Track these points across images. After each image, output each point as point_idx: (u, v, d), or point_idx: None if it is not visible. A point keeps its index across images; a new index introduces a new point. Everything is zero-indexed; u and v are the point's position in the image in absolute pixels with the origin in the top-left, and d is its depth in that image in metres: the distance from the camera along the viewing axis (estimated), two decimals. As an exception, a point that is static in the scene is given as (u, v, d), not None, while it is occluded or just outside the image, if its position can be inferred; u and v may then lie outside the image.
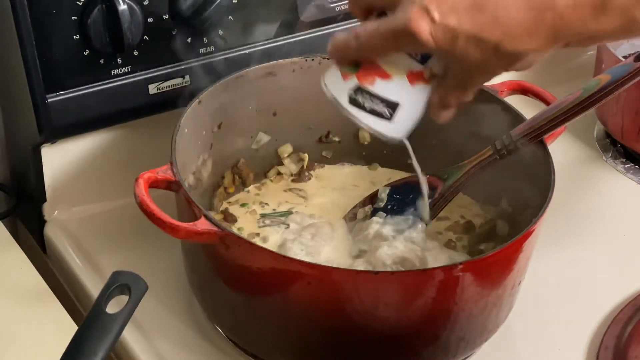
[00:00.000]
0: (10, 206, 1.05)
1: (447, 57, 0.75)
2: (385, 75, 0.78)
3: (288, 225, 0.95)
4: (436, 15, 0.71)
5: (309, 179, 1.02)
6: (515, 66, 0.74)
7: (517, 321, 0.92)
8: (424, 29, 0.72)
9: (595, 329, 0.92)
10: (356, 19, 1.04)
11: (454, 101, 0.79)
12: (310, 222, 0.95)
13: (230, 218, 0.96)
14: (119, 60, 0.94)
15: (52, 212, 1.02)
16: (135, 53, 0.94)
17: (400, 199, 0.95)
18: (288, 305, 0.81)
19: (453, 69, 0.77)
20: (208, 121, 0.95)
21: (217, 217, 0.94)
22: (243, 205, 0.98)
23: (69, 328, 0.86)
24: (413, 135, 1.01)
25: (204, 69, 0.98)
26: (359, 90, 0.79)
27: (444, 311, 0.81)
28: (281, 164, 1.02)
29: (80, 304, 0.96)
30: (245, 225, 0.95)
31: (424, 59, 0.78)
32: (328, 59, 0.98)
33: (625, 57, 1.10)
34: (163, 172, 0.83)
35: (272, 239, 0.93)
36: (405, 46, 0.76)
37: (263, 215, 0.97)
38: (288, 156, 1.02)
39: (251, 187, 1.01)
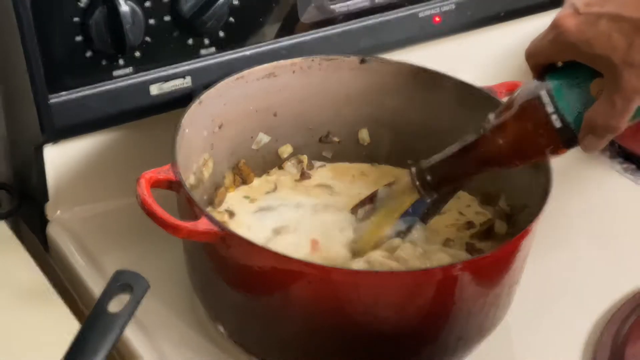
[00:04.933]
0: (13, 206, 1.05)
1: (589, 56, 0.76)
2: None
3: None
4: (581, 8, 0.76)
5: (309, 177, 1.03)
6: None
7: (515, 320, 0.92)
8: (569, 20, 0.76)
9: (592, 327, 0.93)
10: (356, 20, 1.06)
11: (603, 124, 0.77)
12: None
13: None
14: (120, 61, 0.94)
15: (54, 211, 1.02)
16: (137, 54, 0.94)
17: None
18: (288, 305, 0.81)
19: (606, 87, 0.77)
20: (209, 121, 0.95)
21: (219, 216, 0.95)
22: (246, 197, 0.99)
23: (72, 327, 0.86)
24: (413, 135, 1.02)
25: (205, 70, 0.98)
26: None
27: (443, 311, 0.82)
28: (282, 164, 1.03)
29: (82, 303, 0.97)
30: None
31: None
32: (328, 59, 0.99)
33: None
34: (164, 172, 0.84)
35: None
36: (553, 45, 0.78)
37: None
38: (288, 159, 1.03)
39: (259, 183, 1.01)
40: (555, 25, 0.78)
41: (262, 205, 0.97)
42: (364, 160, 1.05)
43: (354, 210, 0.96)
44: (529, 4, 1.17)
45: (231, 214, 0.96)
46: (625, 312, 0.93)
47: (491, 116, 0.83)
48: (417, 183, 0.87)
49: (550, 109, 0.79)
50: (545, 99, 0.80)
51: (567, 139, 0.80)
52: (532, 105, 0.80)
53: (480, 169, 0.85)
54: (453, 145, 0.86)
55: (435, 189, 0.87)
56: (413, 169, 0.88)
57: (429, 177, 0.87)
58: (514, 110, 0.82)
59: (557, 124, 0.79)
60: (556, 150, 0.82)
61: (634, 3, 0.74)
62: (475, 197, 0.99)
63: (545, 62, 0.81)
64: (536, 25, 1.20)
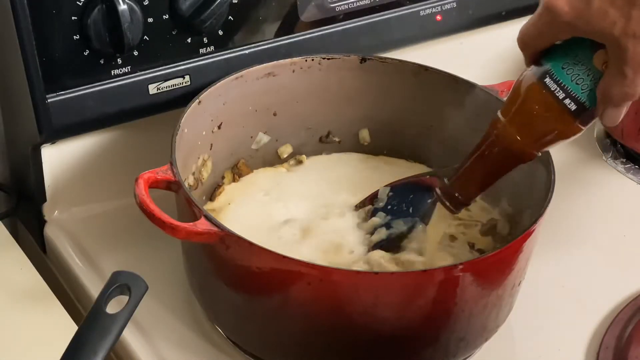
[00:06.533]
0: (10, 206, 1.05)
1: (589, 32, 0.75)
2: None
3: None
4: None
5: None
6: None
7: (517, 321, 0.92)
8: (561, 3, 0.75)
9: (595, 329, 0.92)
10: (356, 19, 1.05)
11: (618, 94, 0.76)
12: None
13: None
14: (119, 60, 0.94)
15: (52, 212, 1.02)
16: (135, 53, 0.94)
17: (401, 199, 0.95)
18: (288, 306, 0.81)
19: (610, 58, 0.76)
20: (208, 121, 0.95)
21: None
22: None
23: (69, 328, 0.86)
24: (415, 135, 1.02)
25: (204, 69, 0.98)
26: None
27: (444, 311, 0.81)
28: (281, 164, 1.02)
29: (80, 304, 0.96)
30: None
31: None
32: (328, 59, 0.99)
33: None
34: (163, 172, 0.83)
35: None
36: (550, 27, 0.77)
37: None
38: (287, 159, 1.02)
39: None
40: (547, 8, 0.76)
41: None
42: (365, 161, 1.05)
43: (356, 208, 0.96)
44: (530, 3, 1.16)
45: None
46: (628, 313, 0.93)
47: (499, 114, 0.82)
48: (447, 204, 0.86)
49: (560, 94, 0.78)
50: (552, 85, 0.78)
51: (584, 117, 0.79)
52: (541, 95, 0.79)
53: (505, 170, 0.84)
54: (470, 154, 0.85)
55: (467, 203, 0.87)
56: (438, 190, 0.87)
57: (457, 194, 0.86)
58: (524, 104, 0.80)
59: (572, 106, 0.78)
60: (575, 131, 0.80)
61: None
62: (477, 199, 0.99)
63: (544, 46, 0.79)
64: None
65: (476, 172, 0.85)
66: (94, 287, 0.94)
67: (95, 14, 0.90)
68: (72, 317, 0.88)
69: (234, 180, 1.00)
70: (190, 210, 0.81)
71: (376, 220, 0.94)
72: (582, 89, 0.78)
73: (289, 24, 1.02)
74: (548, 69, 0.79)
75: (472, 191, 0.86)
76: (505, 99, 0.94)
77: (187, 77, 0.98)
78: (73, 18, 0.90)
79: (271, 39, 1.01)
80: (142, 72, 0.96)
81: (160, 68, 0.96)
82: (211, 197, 0.98)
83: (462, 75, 0.98)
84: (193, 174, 0.93)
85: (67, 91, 0.93)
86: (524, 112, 0.80)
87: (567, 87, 0.78)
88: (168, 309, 0.92)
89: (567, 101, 0.78)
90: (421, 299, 0.80)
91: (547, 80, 0.79)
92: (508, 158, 0.83)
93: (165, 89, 0.97)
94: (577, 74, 0.78)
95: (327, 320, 0.81)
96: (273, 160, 1.02)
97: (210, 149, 0.96)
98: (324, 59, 0.99)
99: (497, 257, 0.81)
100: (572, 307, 0.95)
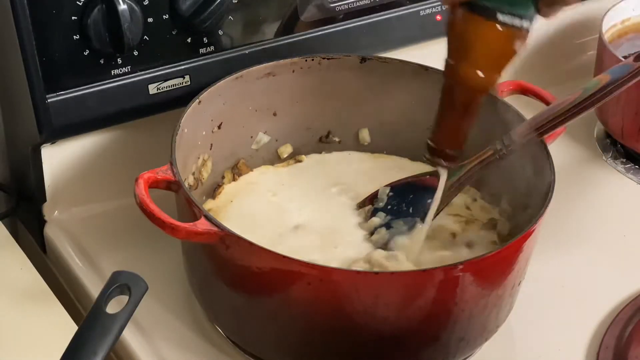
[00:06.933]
0: (10, 206, 1.05)
1: None
2: None
3: None
4: None
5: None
6: None
7: (517, 321, 0.92)
8: None
9: (595, 329, 0.92)
10: (356, 19, 1.05)
11: (559, 5, 0.80)
12: None
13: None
14: (119, 60, 0.94)
15: (52, 212, 1.02)
16: (135, 53, 0.94)
17: (401, 199, 0.95)
18: (288, 306, 0.81)
19: None
20: (208, 121, 0.95)
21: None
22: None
23: (69, 328, 0.86)
24: (415, 135, 1.02)
25: (204, 69, 0.98)
26: None
27: (444, 311, 0.81)
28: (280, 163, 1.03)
29: (80, 304, 0.96)
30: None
31: None
32: (328, 59, 0.99)
33: (625, 57, 1.10)
34: (163, 172, 0.83)
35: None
36: None
37: None
38: (287, 159, 1.02)
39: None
40: None
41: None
42: (364, 160, 1.05)
43: (357, 208, 0.96)
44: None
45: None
46: (629, 313, 0.93)
47: (452, 61, 0.82)
48: (441, 161, 0.86)
49: (517, 22, 0.79)
50: (508, 19, 0.79)
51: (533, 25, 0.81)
52: (499, 32, 0.79)
53: (477, 107, 0.84)
54: (439, 109, 0.85)
55: (459, 153, 0.86)
56: (427, 154, 0.86)
57: (446, 150, 0.85)
58: (483, 44, 0.81)
59: (527, 24, 0.80)
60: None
61: None
62: (479, 191, 0.99)
63: None
64: (537, 24, 1.20)
65: (453, 121, 0.85)
66: (94, 287, 0.94)
67: (95, 14, 0.90)
68: (72, 317, 0.88)
69: (233, 179, 1.00)
70: (190, 210, 0.81)
71: (376, 220, 0.94)
72: (531, 9, 0.80)
73: (289, 24, 1.02)
74: (495, 6, 0.79)
75: (458, 139, 0.86)
76: (505, 98, 0.95)
77: (187, 77, 0.98)
78: (73, 18, 0.90)
79: (271, 39, 1.01)
80: (142, 72, 0.96)
81: (160, 68, 0.96)
82: (212, 197, 0.98)
83: (462, 75, 0.98)
84: (193, 174, 0.93)
85: (67, 91, 0.93)
86: (483, 51, 0.81)
87: (521, 14, 0.79)
88: (168, 309, 0.92)
89: (524, 23, 0.80)
90: (421, 298, 0.80)
91: (500, 16, 0.79)
92: (475, 95, 0.83)
93: (165, 89, 0.97)
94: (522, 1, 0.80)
95: (327, 320, 0.81)
96: (273, 160, 1.02)
97: (210, 149, 0.96)
98: (324, 59, 0.99)
99: (497, 257, 0.81)
100: (572, 307, 0.95)
